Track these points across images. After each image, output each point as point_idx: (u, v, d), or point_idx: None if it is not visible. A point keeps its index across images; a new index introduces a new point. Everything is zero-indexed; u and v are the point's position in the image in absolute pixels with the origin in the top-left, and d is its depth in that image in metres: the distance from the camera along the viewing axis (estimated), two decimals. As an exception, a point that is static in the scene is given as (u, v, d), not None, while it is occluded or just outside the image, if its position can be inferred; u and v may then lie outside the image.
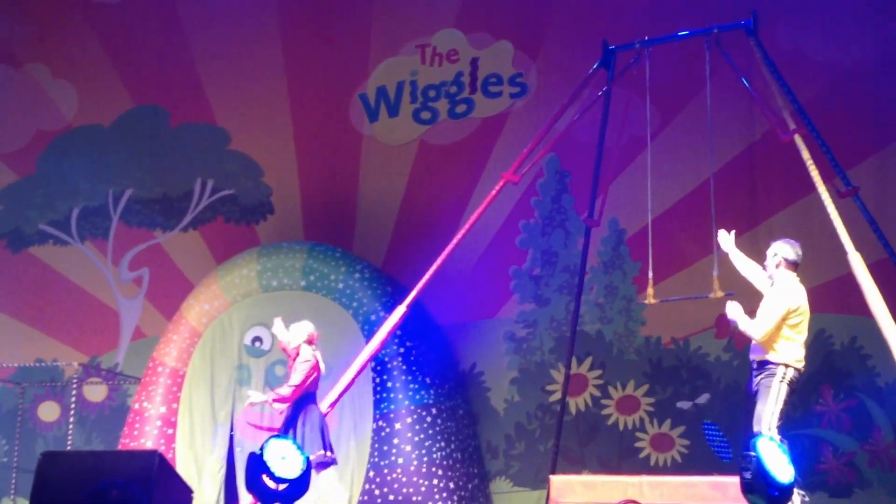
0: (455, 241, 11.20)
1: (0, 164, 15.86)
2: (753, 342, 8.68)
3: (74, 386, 14.23)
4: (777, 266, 8.74)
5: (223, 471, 13.03)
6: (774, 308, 8.57)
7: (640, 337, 13.38)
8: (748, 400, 8.67)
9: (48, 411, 15.27)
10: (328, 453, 10.23)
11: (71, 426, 14.03)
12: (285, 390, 10.31)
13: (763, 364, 8.57)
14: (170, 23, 15.49)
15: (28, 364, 15.02)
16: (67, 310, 15.37)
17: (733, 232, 9.13)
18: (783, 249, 8.77)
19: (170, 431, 13.31)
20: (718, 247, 9.27)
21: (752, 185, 12.82)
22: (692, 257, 12.29)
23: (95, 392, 15.17)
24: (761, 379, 8.52)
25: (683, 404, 13.04)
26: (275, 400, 10.33)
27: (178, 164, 15.38)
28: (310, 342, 10.59)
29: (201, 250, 15.06)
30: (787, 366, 8.53)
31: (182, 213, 15.29)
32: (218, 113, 15.30)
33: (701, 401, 12.92)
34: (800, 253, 8.78)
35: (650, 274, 10.22)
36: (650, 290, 10.24)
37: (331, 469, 10.95)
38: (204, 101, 15.33)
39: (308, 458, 8.88)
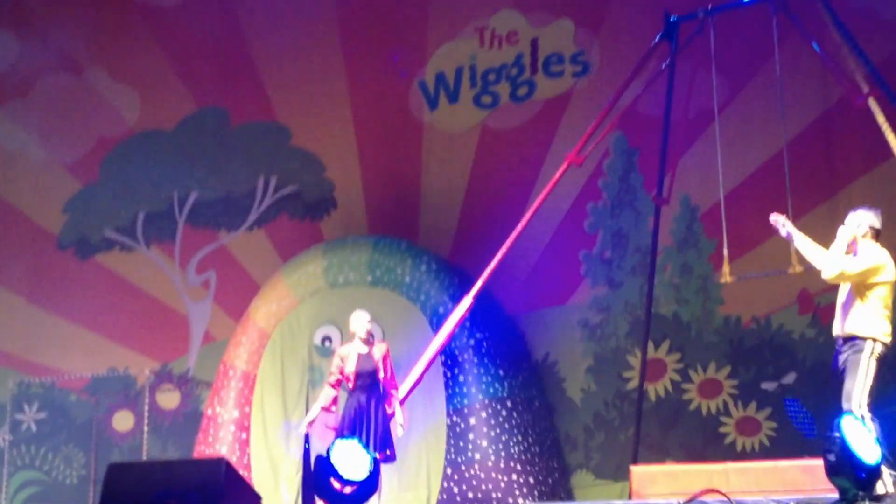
0: (519, 227, 11.13)
1: (64, 173, 15.98)
2: (839, 316, 8.33)
3: (147, 394, 14.38)
4: (863, 236, 8.35)
5: (300, 474, 12.96)
6: (862, 259, 8.20)
7: (719, 317, 13.13)
8: (834, 378, 8.33)
9: (123, 420, 15.28)
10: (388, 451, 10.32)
11: (145, 435, 14.20)
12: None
13: (850, 339, 8.22)
14: (227, 22, 15.53)
15: (101, 374, 15.16)
16: (137, 316, 15.43)
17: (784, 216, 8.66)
18: (868, 217, 8.40)
19: (244, 436, 13.42)
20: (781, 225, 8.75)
21: (828, 153, 12.51)
22: (769, 231, 11.86)
23: (168, 399, 15.21)
24: (849, 355, 8.18)
25: (768, 385, 12.78)
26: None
27: (240, 164, 15.38)
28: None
29: (266, 249, 15.05)
30: (875, 340, 8.16)
31: (246, 212, 15.29)
32: (278, 110, 15.32)
33: (787, 380, 12.63)
34: (881, 220, 8.47)
35: (725, 251, 10.07)
36: (726, 268, 10.11)
37: (403, 468, 10.98)
38: (264, 98, 15.36)
39: (375, 458, 8.85)
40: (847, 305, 8.29)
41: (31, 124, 16.09)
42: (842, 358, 8.24)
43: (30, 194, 16.01)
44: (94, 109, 15.96)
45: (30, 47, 16.06)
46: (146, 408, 14.32)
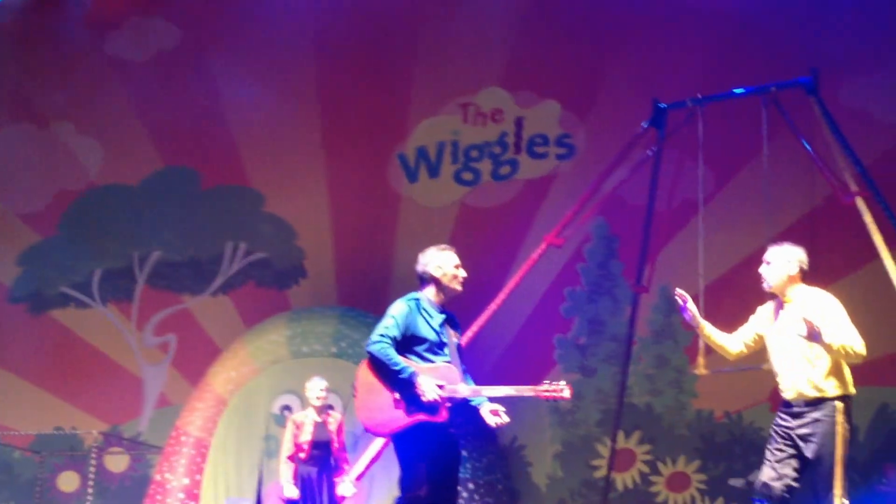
0: (493, 307, 11.14)
1: (21, 224, 15.91)
2: (792, 376, 7.29)
3: (94, 455, 14.19)
4: (800, 276, 7.50)
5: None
6: (846, 315, 7.25)
7: (691, 410, 13.32)
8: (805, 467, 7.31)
9: (68, 481, 15.22)
10: None
11: (90, 498, 13.97)
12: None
13: (819, 403, 7.19)
14: (202, 82, 15.55)
15: (47, 432, 14.99)
16: (88, 376, 15.27)
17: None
18: (800, 254, 7.57)
19: (193, 505, 13.26)
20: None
21: (812, 252, 12.15)
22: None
23: (117, 462, 15.13)
24: (817, 426, 7.15)
25: (736, 481, 12.97)
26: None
27: (208, 227, 15.40)
28: None
29: (231, 315, 15.06)
30: (848, 397, 7.23)
31: (212, 276, 15.31)
32: (251, 174, 15.34)
33: (755, 478, 12.71)
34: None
35: (701, 343, 9.80)
36: (701, 360, 9.98)
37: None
38: (237, 162, 15.38)
39: None
40: (804, 361, 7.25)
41: (-9, 173, 16.00)
42: (800, 429, 7.23)
43: (-17, 244, 15.89)
44: (56, 161, 15.94)
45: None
46: (92, 470, 14.09)
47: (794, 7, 13.45)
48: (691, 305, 7.66)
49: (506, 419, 7.03)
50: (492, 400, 7.08)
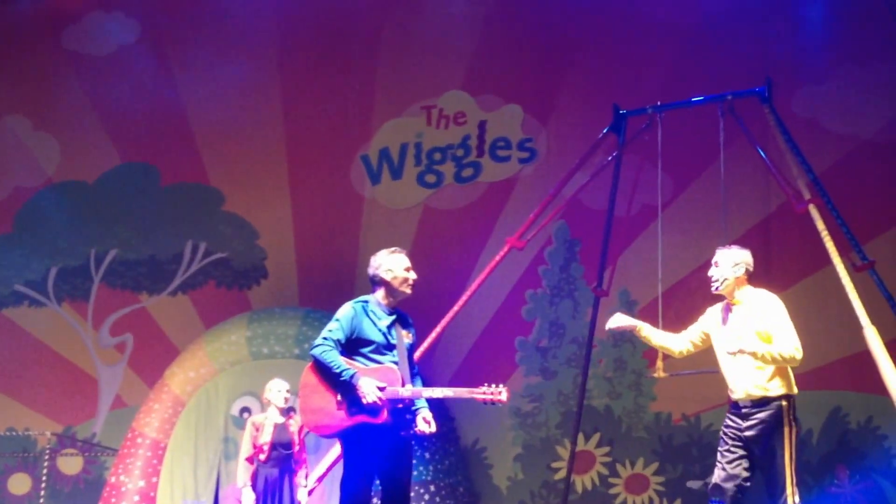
0: (455, 309, 11.54)
1: None
2: (738, 377, 7.88)
3: (47, 457, 14.32)
4: (746, 278, 8.04)
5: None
6: (786, 318, 7.83)
7: (649, 413, 13.71)
8: (756, 467, 7.88)
9: (19, 484, 15.29)
10: None
11: (42, 500, 14.14)
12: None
13: (764, 403, 7.78)
14: (162, 78, 15.77)
15: None
16: (42, 376, 15.41)
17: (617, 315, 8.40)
18: (747, 257, 8.07)
19: (149, 508, 13.25)
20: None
21: (767, 258, 12.95)
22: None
23: (70, 464, 15.23)
24: (764, 426, 7.74)
25: (694, 483, 13.36)
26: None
27: (167, 225, 15.53)
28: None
29: (190, 316, 15.26)
30: (791, 397, 7.80)
31: (171, 276, 15.50)
32: (211, 172, 15.56)
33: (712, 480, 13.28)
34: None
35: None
36: (660, 364, 10.28)
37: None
38: (197, 159, 15.58)
39: None
40: (750, 361, 7.80)
41: (-58, 168, 15.85)
42: (749, 429, 7.81)
43: (-65, 242, 15.74)
44: (11, 157, 16.04)
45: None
46: (45, 472, 14.28)
47: (750, 19, 13.96)
48: (619, 322, 8.32)
49: (433, 428, 7.42)
50: (432, 401, 7.52)
